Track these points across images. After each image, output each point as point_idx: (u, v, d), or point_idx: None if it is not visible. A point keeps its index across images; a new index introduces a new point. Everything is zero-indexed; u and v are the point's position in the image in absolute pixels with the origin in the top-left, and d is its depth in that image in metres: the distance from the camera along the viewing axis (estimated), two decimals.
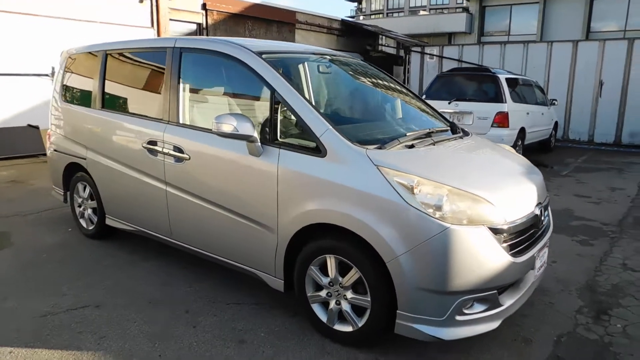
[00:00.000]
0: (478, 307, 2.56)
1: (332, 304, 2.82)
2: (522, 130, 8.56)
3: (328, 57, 3.76)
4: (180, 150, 3.40)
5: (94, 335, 2.90)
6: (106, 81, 4.20)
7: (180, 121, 3.49)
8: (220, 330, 2.96)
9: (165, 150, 3.50)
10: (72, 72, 4.68)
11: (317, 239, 2.80)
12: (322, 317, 2.88)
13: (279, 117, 2.96)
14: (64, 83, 4.73)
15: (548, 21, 22.66)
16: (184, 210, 3.49)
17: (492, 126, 8.04)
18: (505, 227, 2.55)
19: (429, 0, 73.44)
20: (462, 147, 3.24)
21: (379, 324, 2.66)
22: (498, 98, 8.11)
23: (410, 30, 26.90)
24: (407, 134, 3.03)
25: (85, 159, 4.35)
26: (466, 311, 2.52)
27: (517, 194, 2.81)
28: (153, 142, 3.60)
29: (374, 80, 3.93)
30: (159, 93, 3.69)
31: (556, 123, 10.86)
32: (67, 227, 4.95)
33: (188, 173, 3.39)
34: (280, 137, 2.94)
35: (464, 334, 2.54)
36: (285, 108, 2.92)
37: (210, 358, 2.68)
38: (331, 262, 2.76)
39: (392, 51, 21.89)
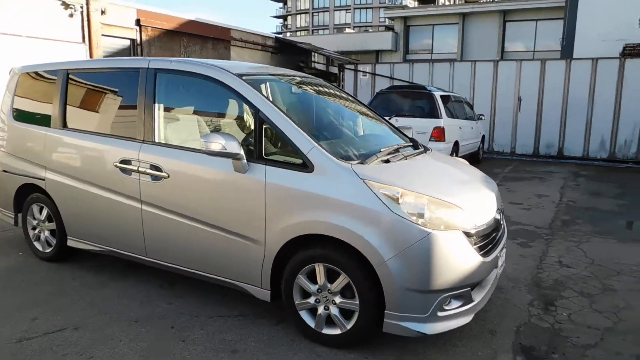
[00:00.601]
0: (455, 304, 2.85)
1: (321, 310, 3.00)
2: (456, 144, 9.25)
3: (298, 78, 3.98)
4: (157, 169, 3.44)
5: (80, 357, 2.86)
6: (68, 101, 4.12)
7: (156, 140, 3.53)
8: (210, 343, 3.03)
9: (142, 169, 3.52)
10: (25, 91, 4.51)
11: (306, 249, 2.98)
12: (310, 322, 3.05)
13: (264, 136, 3.12)
14: (15, 102, 4.54)
15: (467, 41, 24.46)
16: (162, 228, 3.52)
17: (430, 140, 8.61)
18: (475, 230, 2.89)
19: (352, 19, 76.13)
20: (428, 160, 3.58)
21: (367, 325, 2.87)
22: (434, 114, 8.73)
23: (338, 47, 27.80)
24: (381, 150, 3.31)
25: (43, 179, 4.20)
26: (446, 307, 2.81)
27: (482, 202, 3.17)
28: (126, 161, 3.60)
29: (339, 99, 4.20)
30: (131, 113, 3.71)
31: (483, 136, 11.80)
32: (16, 251, 4.72)
33: (167, 191, 3.43)
34: (265, 155, 3.10)
35: (444, 328, 2.82)
36: (269, 127, 3.09)
37: None
38: (320, 270, 2.95)
39: (323, 68, 22.53)
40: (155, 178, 3.47)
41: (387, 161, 3.16)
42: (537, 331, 3.28)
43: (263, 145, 3.12)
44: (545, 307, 3.66)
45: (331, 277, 2.94)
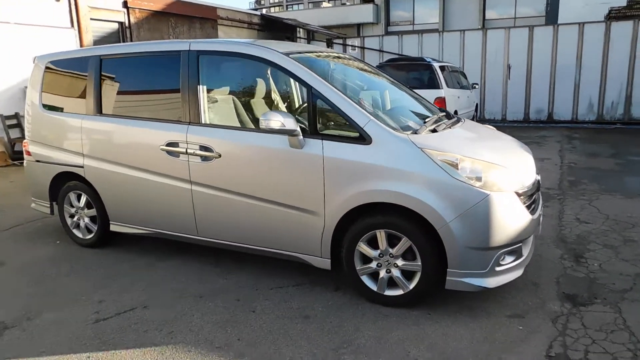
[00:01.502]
0: (509, 259, 3.08)
1: (383, 273, 3.20)
2: (456, 113, 9.46)
3: (332, 54, 4.08)
4: (207, 149, 3.54)
5: (160, 332, 3.01)
6: (103, 87, 4.15)
7: (203, 121, 3.62)
8: (280, 311, 3.21)
9: (190, 151, 3.61)
10: (54, 80, 4.51)
11: (366, 217, 3.15)
12: (372, 286, 3.25)
13: (317, 111, 3.25)
14: (43, 92, 4.53)
15: (448, 11, 24.52)
16: (214, 206, 3.64)
17: None
18: (523, 191, 3.10)
19: None
20: (467, 128, 3.76)
21: (428, 284, 3.09)
22: (435, 84, 8.90)
23: (320, 22, 27.53)
24: (426, 121, 3.47)
25: (82, 167, 4.25)
26: (502, 262, 3.03)
27: (525, 164, 3.37)
28: (173, 144, 3.68)
29: (371, 73, 4.32)
30: (173, 96, 3.78)
31: (477, 105, 12.05)
32: (52, 240, 4.78)
33: (218, 171, 3.54)
34: (320, 130, 3.23)
35: (502, 281, 3.05)
36: (323, 103, 3.21)
37: (286, 333, 2.93)
38: (381, 236, 3.13)
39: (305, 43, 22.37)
40: (205, 159, 3.57)
41: (434, 130, 3.33)
42: (575, 281, 3.55)
43: (317, 120, 3.25)
44: (576, 259, 3.93)
45: (391, 241, 3.13)
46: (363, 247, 3.20)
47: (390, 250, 3.13)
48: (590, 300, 3.25)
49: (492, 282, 3.02)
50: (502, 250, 2.99)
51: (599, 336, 2.81)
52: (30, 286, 3.75)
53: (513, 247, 3.05)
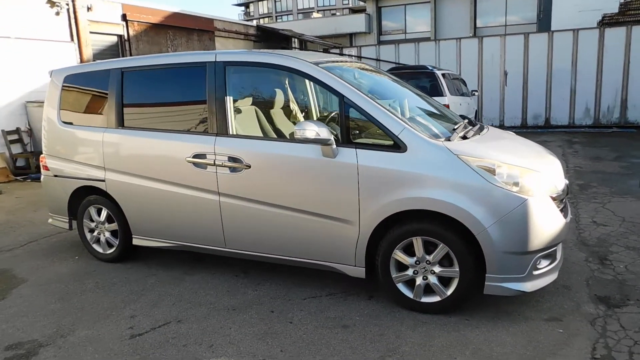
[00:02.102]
0: (544, 262, 3.11)
1: (419, 280, 3.20)
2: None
3: (355, 63, 4.12)
4: (237, 160, 3.54)
5: (201, 346, 2.98)
6: (125, 100, 4.13)
7: (231, 132, 3.62)
8: (317, 321, 3.20)
9: (218, 162, 3.61)
10: (72, 94, 4.49)
11: (402, 225, 3.16)
12: (408, 293, 3.25)
13: (350, 120, 3.27)
14: (61, 105, 4.51)
15: (439, 19, 24.82)
16: (244, 218, 3.63)
17: None
18: (556, 195, 3.14)
19: (316, 2, 75.58)
20: (495, 135, 3.80)
21: (466, 290, 3.10)
22: (438, 92, 8.98)
23: (313, 32, 27.72)
24: (455, 128, 3.50)
25: (103, 180, 4.23)
26: (538, 266, 3.06)
27: (555, 168, 3.41)
28: (200, 155, 3.68)
29: (393, 81, 4.35)
30: (198, 107, 3.79)
31: (476, 111, 12.17)
32: (70, 256, 4.72)
33: (248, 181, 3.54)
34: (353, 138, 3.25)
35: (539, 285, 3.08)
36: (356, 111, 3.24)
37: (328, 344, 2.92)
38: (418, 243, 3.14)
39: None
40: (234, 170, 3.56)
41: (465, 137, 3.36)
42: (604, 283, 3.58)
43: (350, 129, 3.27)
44: (601, 262, 3.97)
45: (427, 248, 3.14)
46: (399, 255, 3.21)
47: (427, 257, 3.14)
48: (623, 301, 3.28)
49: (529, 286, 3.04)
50: (539, 254, 3.01)
51: (639, 337, 2.84)
52: (57, 303, 3.69)
53: (549, 250, 3.07)
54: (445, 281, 3.16)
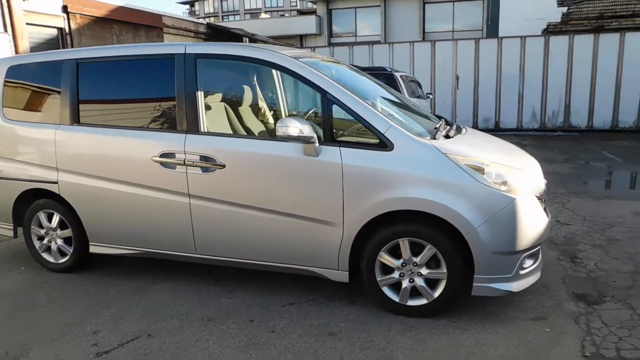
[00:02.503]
0: (529, 262, 3.09)
1: (406, 283, 3.10)
2: None
3: (332, 59, 3.97)
4: (210, 160, 3.30)
5: None
6: (81, 94, 3.77)
7: (203, 130, 3.38)
8: (302, 330, 3.02)
9: (189, 162, 3.35)
10: (18, 86, 4.06)
11: (388, 226, 3.05)
12: (394, 297, 3.14)
13: (333, 117, 3.12)
14: (4, 99, 4.06)
15: (389, 23, 25.25)
16: (217, 221, 3.40)
17: None
18: (540, 194, 3.14)
19: (264, 3, 75.08)
20: (475, 135, 3.77)
21: (453, 292, 3.03)
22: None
23: (263, 32, 27.40)
24: (437, 126, 3.43)
25: (56, 182, 3.84)
26: (524, 266, 3.04)
27: (537, 168, 3.42)
28: (169, 154, 3.41)
29: (373, 81, 4.23)
30: (164, 103, 3.52)
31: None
32: (14, 267, 4.27)
33: (223, 182, 3.31)
34: (336, 136, 3.11)
35: (525, 285, 3.06)
36: (340, 108, 3.10)
37: (316, 353, 2.76)
38: (404, 245, 3.04)
39: None
40: (206, 170, 3.33)
41: (448, 136, 3.30)
42: (579, 281, 3.64)
43: (333, 127, 3.12)
44: (572, 260, 4.05)
45: (413, 250, 3.05)
46: (385, 257, 3.10)
47: (414, 259, 3.05)
48: (600, 298, 3.34)
49: (516, 286, 3.01)
50: (525, 254, 3.00)
51: (622, 333, 2.87)
52: (3, 320, 3.29)
53: (534, 250, 3.07)
54: (431, 283, 3.08)
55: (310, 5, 66.13)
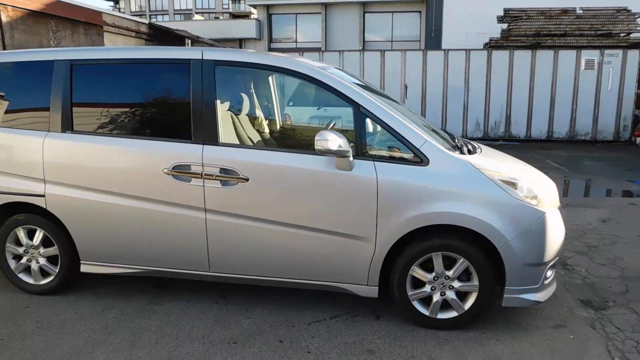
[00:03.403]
0: (550, 272, 3.22)
1: (437, 297, 3.11)
2: None
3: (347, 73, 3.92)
4: (231, 173, 3.12)
5: None
6: (75, 98, 3.42)
7: (222, 141, 3.20)
8: (338, 349, 2.93)
9: (207, 174, 3.15)
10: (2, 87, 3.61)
11: (421, 241, 3.05)
12: (424, 311, 3.15)
13: (366, 131, 3.08)
14: None
15: (330, 30, 25.56)
16: (235, 237, 3.22)
17: None
18: (559, 206, 3.29)
19: (194, 4, 73.19)
20: (491, 150, 3.81)
21: (484, 304, 3.09)
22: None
23: (202, 35, 26.72)
24: (455, 141, 3.47)
25: (42, 195, 3.45)
26: (547, 276, 3.16)
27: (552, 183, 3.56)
28: (183, 166, 3.19)
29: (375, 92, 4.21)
30: (178, 111, 3.30)
31: None
32: None
33: (245, 196, 3.15)
34: (369, 151, 3.06)
35: (549, 294, 3.19)
36: (373, 122, 3.06)
37: None
38: (437, 259, 3.05)
39: None
40: (226, 183, 3.15)
41: (471, 152, 3.36)
42: (579, 287, 3.85)
43: (366, 141, 3.08)
44: (564, 267, 4.28)
45: (444, 263, 3.07)
46: (417, 271, 3.09)
47: (447, 272, 3.07)
48: (604, 304, 3.55)
49: (541, 296, 3.12)
50: (549, 265, 3.12)
51: (637, 337, 3.07)
52: None
53: (554, 260, 3.20)
54: (460, 296, 3.12)
55: (243, 8, 65.52)
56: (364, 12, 24.74)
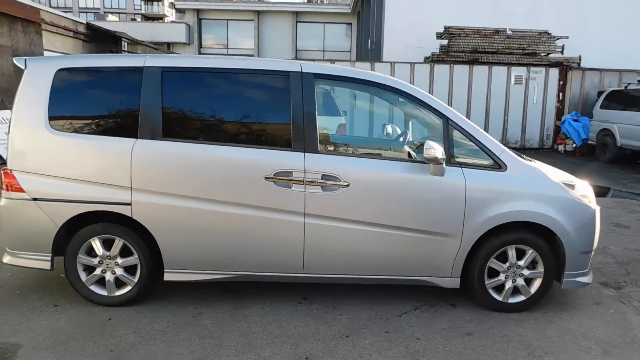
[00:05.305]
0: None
1: (509, 284, 3.61)
2: None
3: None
4: (333, 179, 3.39)
5: None
6: (169, 106, 3.45)
7: (320, 149, 3.45)
8: (442, 334, 3.30)
9: (309, 180, 3.38)
10: (72, 92, 3.51)
11: (499, 235, 3.53)
12: (497, 297, 3.63)
13: (453, 141, 3.51)
14: (50, 107, 3.46)
15: (262, 37, 25.70)
16: (332, 239, 3.47)
17: None
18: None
19: (102, 3, 69.04)
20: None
21: (547, 288, 3.65)
22: (336, 112, 9.52)
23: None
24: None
25: (129, 204, 3.43)
26: (590, 262, 3.81)
27: None
28: (285, 173, 3.39)
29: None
30: (279, 120, 3.53)
31: None
32: (43, 306, 3.64)
33: (344, 200, 3.42)
34: (456, 158, 3.50)
35: (592, 277, 3.82)
36: (460, 133, 3.50)
37: (482, 352, 3.08)
38: (511, 251, 3.56)
39: None
40: (327, 188, 3.40)
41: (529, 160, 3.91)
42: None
43: (454, 149, 3.50)
44: None
45: (516, 255, 3.59)
46: (495, 262, 3.57)
47: (519, 262, 3.58)
48: (618, 284, 4.29)
49: (589, 278, 3.75)
50: (592, 252, 3.76)
51: None
52: None
53: (595, 248, 3.86)
54: (527, 282, 3.65)
55: (157, 10, 63.00)
56: (297, 22, 25.25)
